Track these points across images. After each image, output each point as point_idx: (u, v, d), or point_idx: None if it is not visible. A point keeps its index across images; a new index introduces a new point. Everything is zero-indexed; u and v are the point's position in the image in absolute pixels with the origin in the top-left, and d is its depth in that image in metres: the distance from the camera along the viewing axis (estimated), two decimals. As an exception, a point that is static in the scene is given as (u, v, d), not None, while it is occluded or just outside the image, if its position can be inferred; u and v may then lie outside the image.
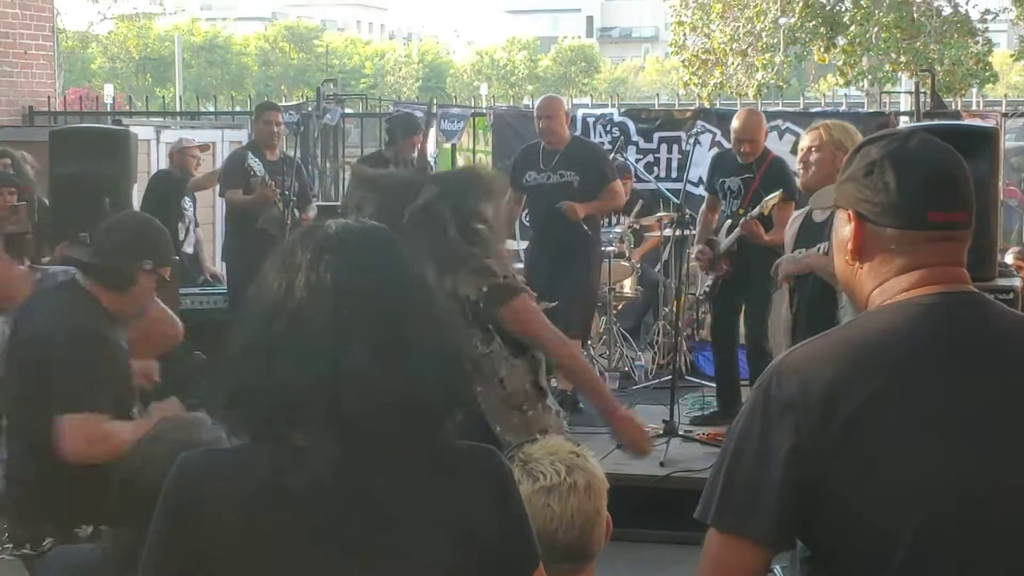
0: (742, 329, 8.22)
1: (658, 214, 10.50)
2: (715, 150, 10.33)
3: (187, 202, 10.05)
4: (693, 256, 8.70)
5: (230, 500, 1.94)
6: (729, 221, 7.88)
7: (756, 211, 7.36)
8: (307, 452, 1.92)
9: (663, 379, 9.27)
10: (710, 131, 11.38)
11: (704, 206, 8.34)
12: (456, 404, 2.04)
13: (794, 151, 7.40)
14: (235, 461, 2.01)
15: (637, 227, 10.38)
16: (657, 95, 24.73)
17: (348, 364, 1.92)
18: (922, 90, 11.78)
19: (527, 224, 9.53)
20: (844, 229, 2.23)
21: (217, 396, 2.03)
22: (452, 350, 2.06)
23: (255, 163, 9.22)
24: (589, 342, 9.34)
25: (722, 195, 8.09)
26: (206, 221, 10.69)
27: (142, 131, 10.56)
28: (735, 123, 8.09)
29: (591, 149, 8.99)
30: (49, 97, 14.87)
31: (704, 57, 25.61)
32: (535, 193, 8.55)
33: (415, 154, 9.57)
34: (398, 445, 1.94)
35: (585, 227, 8.28)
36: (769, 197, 7.31)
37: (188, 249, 10.00)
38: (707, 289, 8.31)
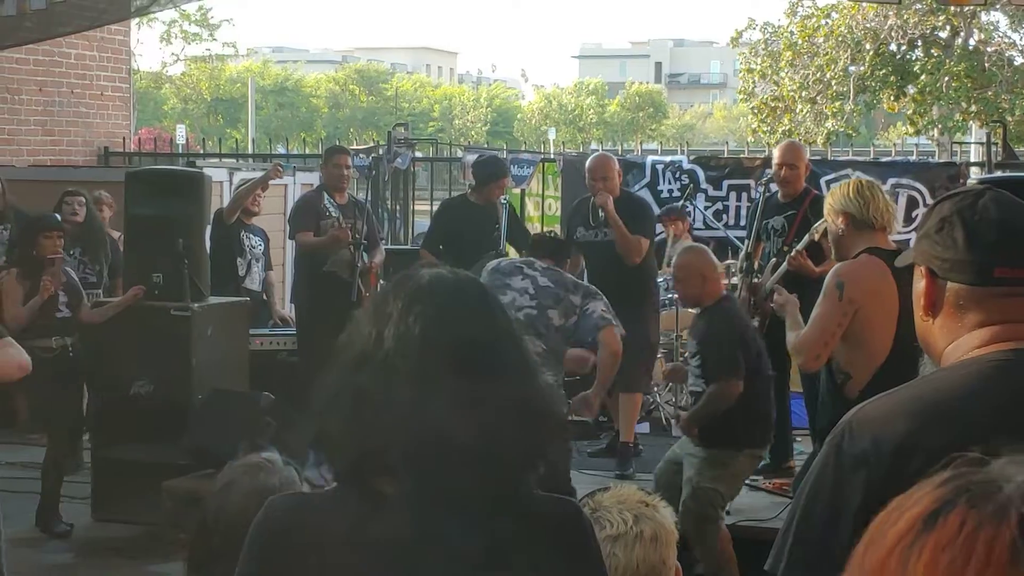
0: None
1: (726, 262, 10.45)
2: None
3: (252, 238, 9.96)
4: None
5: (315, 543, 1.98)
6: (773, 260, 7.72)
7: (804, 242, 7.09)
8: (388, 499, 1.95)
9: (729, 426, 9.22)
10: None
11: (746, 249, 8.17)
12: (537, 457, 2.04)
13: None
14: (321, 505, 2.05)
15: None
16: (726, 143, 24.71)
17: (429, 415, 1.93)
18: (993, 140, 11.68)
19: None
20: (918, 284, 2.26)
21: (306, 438, 2.07)
22: (536, 405, 2.05)
23: (331, 204, 9.23)
24: (656, 388, 9.35)
25: (765, 236, 8.04)
26: (276, 263, 10.70)
27: (215, 172, 10.63)
28: (775, 153, 8.26)
29: (635, 205, 8.71)
30: (124, 138, 15.12)
31: (773, 104, 25.62)
32: (586, 250, 8.52)
33: (504, 198, 9.51)
34: (477, 496, 1.96)
35: (601, 214, 8.21)
36: (818, 223, 7.19)
37: (252, 286, 9.90)
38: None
